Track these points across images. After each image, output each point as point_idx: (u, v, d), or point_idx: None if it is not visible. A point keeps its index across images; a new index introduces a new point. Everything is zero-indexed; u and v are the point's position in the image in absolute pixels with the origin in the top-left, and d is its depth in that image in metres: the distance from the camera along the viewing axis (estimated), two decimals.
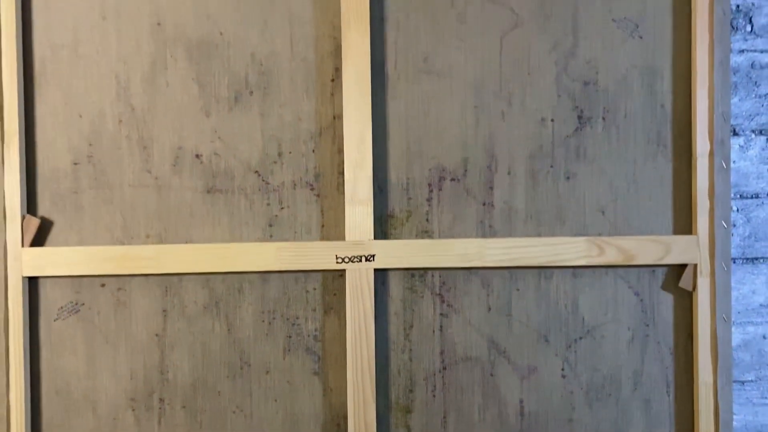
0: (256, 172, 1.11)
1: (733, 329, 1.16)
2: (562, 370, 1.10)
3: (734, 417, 1.17)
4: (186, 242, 1.10)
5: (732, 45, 1.15)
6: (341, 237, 1.10)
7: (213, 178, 1.10)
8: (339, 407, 1.10)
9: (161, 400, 1.11)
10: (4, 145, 1.08)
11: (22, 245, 1.08)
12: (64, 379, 1.11)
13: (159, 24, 1.10)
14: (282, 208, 1.11)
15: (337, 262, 1.08)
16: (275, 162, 1.10)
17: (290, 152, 1.10)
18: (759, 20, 1.16)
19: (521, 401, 1.10)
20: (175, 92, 1.10)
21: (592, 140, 1.09)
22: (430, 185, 1.10)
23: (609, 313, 1.09)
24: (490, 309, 1.10)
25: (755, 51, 1.16)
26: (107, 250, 1.08)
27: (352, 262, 1.08)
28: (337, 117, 1.10)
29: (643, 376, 1.09)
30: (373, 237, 1.08)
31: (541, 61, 1.09)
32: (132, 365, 1.11)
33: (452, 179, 1.10)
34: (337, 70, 1.10)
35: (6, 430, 1.08)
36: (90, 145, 1.10)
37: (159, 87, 1.10)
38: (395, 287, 1.11)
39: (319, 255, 1.08)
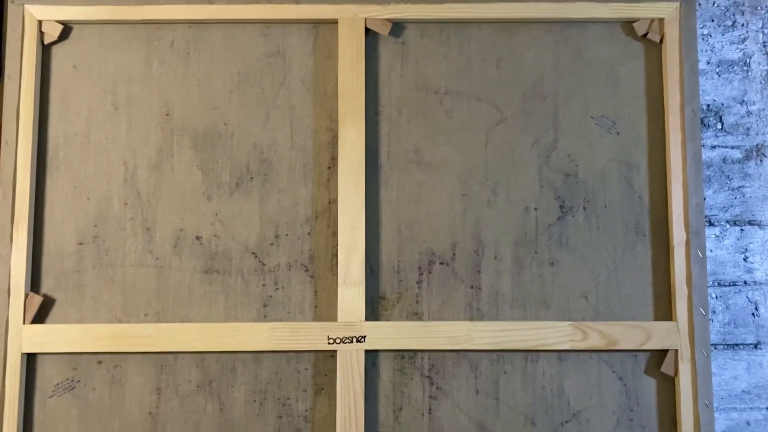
0: (254, 253, 1.15)
1: (717, 415, 1.18)
2: None
3: None
4: (183, 321, 1.14)
5: (704, 141, 1.23)
6: (334, 318, 1.13)
7: (211, 260, 1.15)
8: None
9: None
10: (14, 225, 1.13)
11: (24, 322, 1.12)
12: None
13: (167, 114, 1.18)
14: (277, 289, 1.15)
15: (329, 343, 1.11)
16: (272, 244, 1.15)
17: (287, 234, 1.16)
18: (728, 119, 1.24)
19: None
20: (179, 177, 1.17)
21: (574, 228, 1.15)
22: (420, 268, 1.15)
23: (594, 397, 1.12)
24: (478, 392, 1.12)
25: (726, 147, 1.23)
26: (105, 327, 1.12)
27: (344, 343, 1.11)
28: (333, 202, 1.16)
29: None
30: (364, 318, 1.11)
31: (524, 154, 1.16)
32: None
33: (441, 263, 1.15)
34: (333, 159, 1.17)
35: None
36: (95, 226, 1.16)
37: (164, 172, 1.17)
38: (385, 369, 1.13)
39: (311, 335, 1.11)
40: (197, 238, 1.16)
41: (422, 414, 1.12)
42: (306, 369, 1.13)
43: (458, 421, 1.12)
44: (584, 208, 1.15)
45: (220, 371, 1.13)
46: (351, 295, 1.12)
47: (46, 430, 1.12)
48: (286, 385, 1.13)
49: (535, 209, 1.15)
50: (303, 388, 1.13)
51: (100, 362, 1.13)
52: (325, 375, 1.13)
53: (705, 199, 1.20)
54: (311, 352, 1.13)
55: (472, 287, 1.14)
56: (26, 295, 1.12)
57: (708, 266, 1.19)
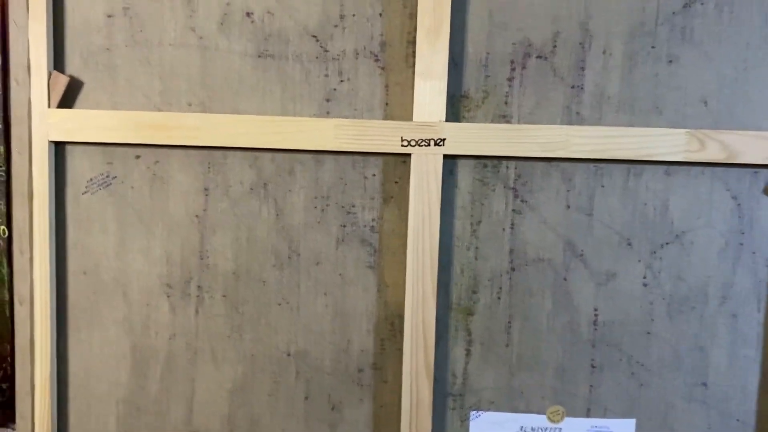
0: (314, 36, 0.97)
1: None
2: (644, 278, 0.99)
3: None
4: (232, 113, 0.98)
5: None
6: (407, 117, 0.97)
7: (265, 41, 0.97)
8: (395, 305, 1.00)
9: (199, 287, 1.00)
10: None
11: (49, 105, 0.96)
12: (93, 259, 1.00)
13: None
14: (342, 81, 0.97)
15: (403, 146, 0.96)
16: (336, 26, 0.97)
17: (354, 15, 0.96)
18: None
19: (595, 310, 0.99)
20: None
21: (702, 19, 0.95)
22: (512, 62, 0.97)
23: (702, 218, 0.98)
24: (569, 207, 0.98)
25: None
26: (144, 116, 0.96)
27: (419, 145, 0.96)
28: None
29: (732, 289, 0.99)
30: (444, 119, 0.95)
31: None
32: (168, 248, 1.00)
33: (538, 56, 0.97)
34: None
35: (30, 309, 0.98)
36: None
37: None
38: (464, 177, 0.99)
39: (382, 136, 0.96)
40: (248, 14, 0.97)
41: (503, 229, 0.99)
42: (374, 174, 0.99)
43: (544, 238, 0.99)
44: None
45: (276, 172, 0.99)
46: (429, 91, 0.95)
47: (80, 230, 1.00)
48: (351, 192, 0.99)
49: None
50: (370, 195, 0.99)
51: (138, 156, 0.99)
52: (396, 182, 0.99)
53: None
54: (381, 154, 0.98)
55: (573, 87, 0.97)
56: (49, 74, 0.96)
57: None
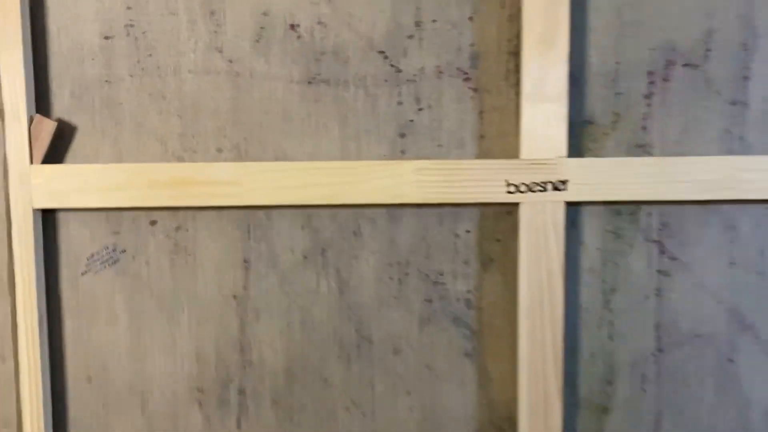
0: (382, 52, 0.72)
1: None
2: None
3: None
4: (277, 159, 0.73)
5: None
6: (512, 154, 0.73)
7: (316, 62, 0.72)
8: (503, 406, 0.75)
9: (241, 391, 0.76)
10: None
11: (31, 161, 0.72)
12: (99, 361, 0.75)
13: None
14: (420, 109, 0.73)
15: (509, 192, 0.71)
16: (410, 36, 0.72)
17: (434, 21, 0.72)
18: None
19: None
20: None
21: None
22: (650, 74, 0.72)
23: None
24: (733, 263, 0.73)
25: None
26: (160, 169, 0.71)
27: (532, 191, 0.71)
28: None
29: None
30: (566, 153, 0.70)
31: None
32: (199, 341, 0.75)
33: (686, 64, 0.71)
34: None
35: None
36: (128, 8, 0.72)
37: None
38: (592, 230, 0.74)
39: (479, 180, 0.71)
40: (292, 27, 0.72)
41: (646, 297, 0.74)
42: (468, 231, 0.74)
43: (701, 306, 0.74)
44: None
45: (337, 234, 0.74)
46: (543, 118, 0.70)
47: (81, 322, 0.75)
48: (438, 255, 0.74)
49: None
50: (464, 259, 0.74)
51: (154, 222, 0.74)
52: (498, 240, 0.74)
53: None
54: (477, 205, 0.73)
55: (733, 103, 0.72)
56: (30, 119, 0.72)
57: None
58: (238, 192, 0.71)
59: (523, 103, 0.70)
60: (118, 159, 0.73)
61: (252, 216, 0.74)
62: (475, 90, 0.72)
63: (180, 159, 0.73)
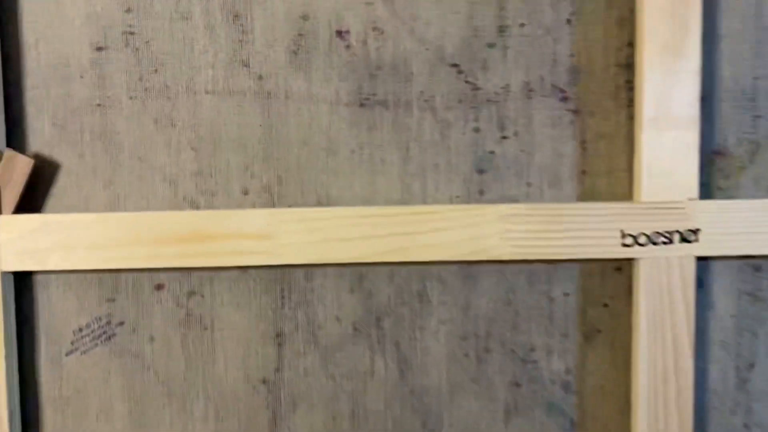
0: (455, 65, 0.56)
1: None
2: None
3: None
4: (319, 204, 0.57)
5: None
6: (624, 195, 0.57)
7: (371, 79, 0.56)
8: None
9: None
10: None
11: (0, 210, 0.55)
12: None
13: None
14: (504, 138, 0.57)
15: (624, 245, 0.54)
16: (492, 45, 0.56)
17: (522, 25, 0.56)
18: None
19: None
20: None
21: None
22: None
23: None
24: None
25: None
26: (168, 219, 0.54)
27: (654, 243, 0.54)
28: None
29: None
30: (697, 195, 0.54)
31: None
32: None
33: None
34: None
35: None
36: (127, 11, 0.56)
37: None
38: (724, 292, 0.57)
39: (584, 230, 0.54)
40: (339, 34, 0.56)
41: None
42: (566, 294, 0.57)
43: None
44: None
45: (396, 299, 0.57)
46: (668, 148, 0.54)
47: (65, 415, 0.58)
48: (527, 325, 0.57)
49: None
50: (561, 331, 0.58)
51: (160, 287, 0.57)
52: (605, 305, 0.57)
53: None
54: (580, 262, 0.57)
55: None
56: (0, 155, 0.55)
57: None
58: (270, 247, 0.54)
59: (640, 129, 0.54)
60: (115, 206, 0.56)
61: (287, 277, 0.57)
62: (575, 112, 0.56)
63: (194, 205, 0.57)
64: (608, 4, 0.56)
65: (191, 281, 0.57)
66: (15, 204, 0.54)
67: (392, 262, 0.56)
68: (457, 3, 0.56)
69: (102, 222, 0.54)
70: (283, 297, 0.57)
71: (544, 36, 0.56)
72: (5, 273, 0.55)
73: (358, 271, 0.57)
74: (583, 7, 0.56)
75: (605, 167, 0.57)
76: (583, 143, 0.56)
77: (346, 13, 0.56)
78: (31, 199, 0.56)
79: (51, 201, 0.57)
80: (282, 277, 0.57)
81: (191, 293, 0.57)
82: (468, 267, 0.58)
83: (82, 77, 0.56)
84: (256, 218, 0.54)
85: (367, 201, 0.57)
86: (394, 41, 0.56)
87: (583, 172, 0.57)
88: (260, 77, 0.56)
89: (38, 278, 0.57)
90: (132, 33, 0.56)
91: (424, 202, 0.57)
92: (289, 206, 0.57)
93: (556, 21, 0.56)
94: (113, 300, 0.57)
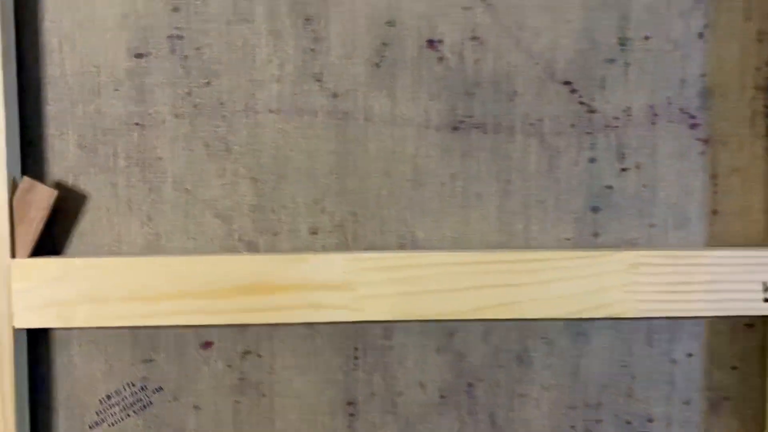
0: (567, 83, 0.47)
1: None
2: None
3: None
4: (402, 247, 0.47)
5: None
6: (758, 238, 0.48)
7: (467, 98, 0.47)
8: None
9: None
10: None
11: (13, 253, 0.44)
12: None
13: None
14: (624, 170, 0.48)
15: (766, 299, 0.46)
16: (611, 60, 0.47)
17: (647, 37, 0.47)
18: None
19: None
20: None
21: None
22: None
23: None
24: None
25: None
26: (220, 264, 0.44)
27: None
28: None
29: None
30: None
31: None
32: None
33: None
34: None
35: None
36: (175, 9, 0.46)
37: None
38: None
39: (717, 281, 0.46)
40: (431, 44, 0.47)
41: None
42: (690, 355, 0.49)
43: None
44: None
45: (492, 362, 0.48)
46: None
47: None
48: (646, 392, 0.49)
49: None
50: (683, 398, 0.49)
51: (208, 345, 0.47)
52: (734, 368, 0.49)
53: None
54: (713, 319, 0.48)
55: None
56: (12, 185, 0.44)
57: None
58: (348, 300, 0.45)
59: None
60: (154, 248, 0.46)
61: (362, 333, 0.48)
62: (705, 142, 0.48)
63: (252, 247, 0.47)
64: (746, 16, 0.47)
65: (246, 338, 0.47)
66: (33, 245, 0.44)
67: (488, 319, 0.47)
68: (571, 10, 0.47)
69: (139, 267, 0.44)
70: (356, 358, 0.48)
71: (671, 51, 0.47)
72: (17, 330, 0.45)
73: (446, 328, 0.48)
74: (718, 19, 0.47)
75: (739, 206, 0.48)
76: (714, 178, 0.48)
77: (439, 19, 0.46)
78: (51, 239, 0.46)
79: (75, 241, 0.46)
80: (356, 334, 0.48)
81: (246, 353, 0.47)
82: (577, 323, 0.49)
83: (116, 90, 0.46)
84: (332, 264, 0.45)
85: (460, 244, 0.48)
86: (495, 53, 0.47)
87: (714, 212, 0.48)
88: (335, 94, 0.46)
89: (58, 334, 0.47)
90: (179, 37, 0.46)
91: (526, 245, 0.48)
92: (366, 249, 0.47)
93: (686, 34, 0.47)
94: (150, 361, 0.47)
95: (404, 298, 0.45)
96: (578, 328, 0.48)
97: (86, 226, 0.46)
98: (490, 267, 0.46)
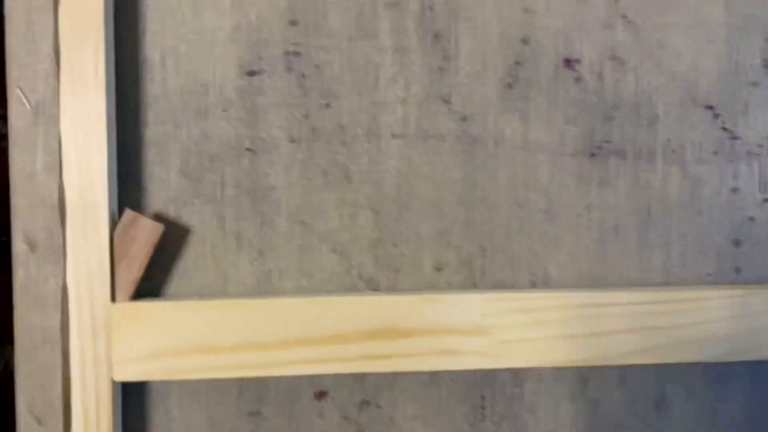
0: (710, 108, 0.44)
1: None
2: None
3: None
4: (535, 286, 0.43)
5: None
6: None
7: (606, 121, 0.43)
8: None
9: None
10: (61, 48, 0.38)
11: (113, 297, 0.39)
12: None
13: None
14: (767, 200, 0.45)
15: None
16: (756, 84, 0.44)
17: None
18: None
19: None
20: None
21: None
22: None
23: None
24: None
25: None
26: (337, 306, 0.40)
27: None
28: None
29: None
30: None
31: None
32: None
33: None
34: None
35: None
36: (292, 23, 0.41)
37: None
38: None
39: None
40: (568, 62, 0.43)
41: None
42: None
43: None
44: None
45: (628, 407, 0.44)
46: None
47: None
48: None
49: None
50: None
51: (322, 395, 0.42)
52: None
53: None
54: None
55: None
56: (112, 219, 0.39)
57: None
58: (478, 344, 0.41)
59: None
60: (266, 287, 0.42)
61: (489, 381, 0.43)
62: None
63: (372, 285, 0.42)
64: None
65: (364, 387, 0.43)
66: (134, 287, 0.39)
67: (624, 365, 0.43)
68: (715, 29, 0.44)
69: (249, 310, 0.39)
70: (483, 407, 0.43)
71: None
72: (116, 383, 0.39)
73: (581, 373, 0.44)
74: None
75: None
76: None
77: (577, 36, 0.43)
78: (149, 278, 0.40)
79: (176, 280, 0.41)
80: (483, 381, 0.43)
81: (364, 403, 0.43)
82: (714, 366, 0.45)
83: (225, 111, 0.41)
84: (468, 306, 0.40)
85: (595, 281, 0.44)
86: (636, 74, 0.43)
87: None
88: (464, 118, 0.42)
89: (154, 386, 0.41)
90: (297, 54, 0.41)
91: (667, 281, 0.44)
92: (495, 287, 0.43)
93: None
94: (258, 414, 0.42)
95: (542, 342, 0.41)
96: (717, 370, 0.45)
97: (188, 262, 0.41)
98: (629, 309, 0.42)
